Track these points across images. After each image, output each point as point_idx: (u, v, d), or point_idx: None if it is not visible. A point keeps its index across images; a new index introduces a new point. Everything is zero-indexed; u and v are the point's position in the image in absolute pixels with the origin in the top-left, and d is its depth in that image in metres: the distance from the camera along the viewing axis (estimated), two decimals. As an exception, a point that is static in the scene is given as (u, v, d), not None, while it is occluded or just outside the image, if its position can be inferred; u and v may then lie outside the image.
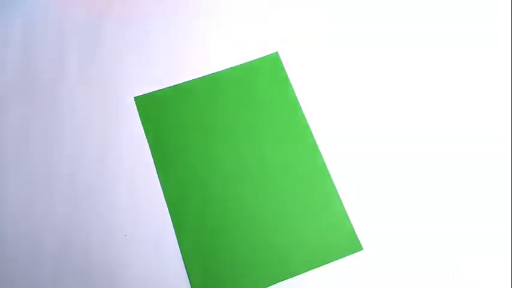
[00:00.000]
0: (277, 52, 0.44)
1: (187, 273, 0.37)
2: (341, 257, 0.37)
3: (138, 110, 0.42)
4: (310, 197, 0.39)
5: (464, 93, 0.43)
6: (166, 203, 0.39)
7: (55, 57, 0.43)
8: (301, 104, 0.42)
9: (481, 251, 0.38)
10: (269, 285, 0.37)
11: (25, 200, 0.39)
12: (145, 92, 0.42)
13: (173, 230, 0.38)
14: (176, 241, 0.38)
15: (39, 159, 0.40)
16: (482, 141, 0.41)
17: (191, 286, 0.36)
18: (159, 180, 0.40)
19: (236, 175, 0.40)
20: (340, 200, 0.39)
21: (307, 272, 0.37)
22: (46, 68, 0.43)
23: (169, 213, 0.39)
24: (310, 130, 0.41)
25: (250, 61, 0.44)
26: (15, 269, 0.37)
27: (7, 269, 0.37)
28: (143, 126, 0.41)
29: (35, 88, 0.42)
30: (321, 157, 0.40)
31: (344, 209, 0.39)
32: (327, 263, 0.37)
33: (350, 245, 0.38)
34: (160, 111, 0.42)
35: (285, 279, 0.37)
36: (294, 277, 0.37)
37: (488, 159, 0.41)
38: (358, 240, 0.38)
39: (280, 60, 0.44)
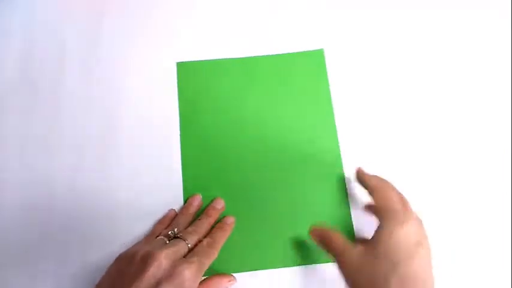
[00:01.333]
0: (322, 49, 0.44)
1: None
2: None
3: (177, 75, 0.43)
4: (324, 187, 0.40)
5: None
6: (182, 169, 0.40)
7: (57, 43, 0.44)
8: (334, 105, 0.42)
9: (481, 250, 0.38)
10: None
11: (25, 201, 0.39)
12: (188, 60, 0.44)
13: (182, 195, 0.40)
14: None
15: (40, 158, 0.40)
16: (484, 142, 0.42)
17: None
18: (181, 150, 0.41)
19: (257, 157, 0.41)
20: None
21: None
22: (49, 57, 0.43)
23: (182, 177, 0.40)
24: (336, 133, 0.41)
25: (295, 52, 0.44)
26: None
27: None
28: (178, 91, 0.43)
29: (34, 86, 0.42)
30: (341, 163, 0.41)
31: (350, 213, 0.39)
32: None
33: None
34: (198, 81, 0.43)
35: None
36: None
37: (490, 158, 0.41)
38: None
39: (324, 58, 0.44)
